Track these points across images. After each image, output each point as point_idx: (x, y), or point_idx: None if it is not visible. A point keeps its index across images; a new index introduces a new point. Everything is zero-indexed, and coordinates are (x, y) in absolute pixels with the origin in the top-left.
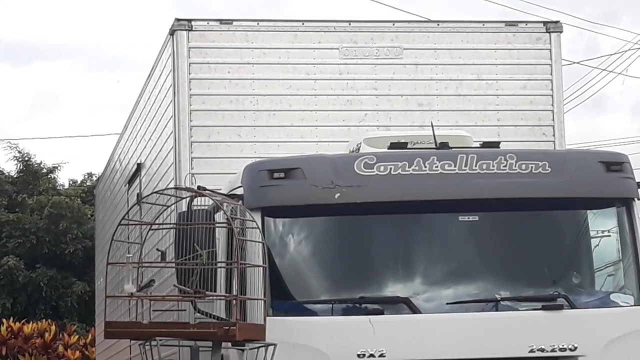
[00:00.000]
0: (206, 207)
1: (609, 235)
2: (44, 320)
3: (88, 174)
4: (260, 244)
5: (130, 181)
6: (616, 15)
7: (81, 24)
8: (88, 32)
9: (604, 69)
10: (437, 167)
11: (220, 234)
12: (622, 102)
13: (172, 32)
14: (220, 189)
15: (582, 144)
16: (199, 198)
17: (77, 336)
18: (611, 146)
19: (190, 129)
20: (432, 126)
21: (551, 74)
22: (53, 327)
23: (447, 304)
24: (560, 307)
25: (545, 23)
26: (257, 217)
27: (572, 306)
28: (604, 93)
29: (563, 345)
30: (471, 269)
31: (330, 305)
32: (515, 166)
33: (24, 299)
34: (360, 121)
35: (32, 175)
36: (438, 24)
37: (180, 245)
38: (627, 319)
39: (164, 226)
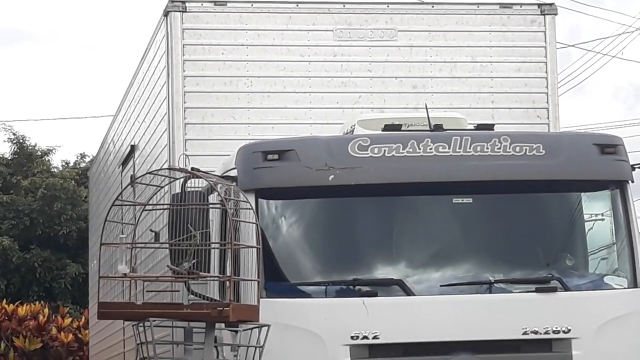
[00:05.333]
0: (200, 189)
1: (603, 218)
2: (37, 302)
3: (81, 155)
4: (254, 225)
5: (124, 163)
6: None
7: (75, 3)
8: (82, 12)
9: (599, 52)
10: (431, 149)
11: (214, 215)
12: (614, 86)
13: (166, 13)
14: (214, 171)
15: (575, 126)
16: (193, 179)
17: (70, 318)
18: (605, 129)
19: (184, 111)
20: (427, 108)
21: (545, 57)
22: (46, 310)
23: (441, 286)
24: (553, 290)
25: (539, 5)
26: (251, 198)
27: (566, 288)
28: (593, 76)
29: (556, 328)
30: (465, 252)
31: (324, 287)
32: (509, 148)
33: (17, 280)
34: (355, 103)
35: (27, 158)
36: (432, 6)
37: (174, 226)
38: (620, 301)
39: (158, 207)
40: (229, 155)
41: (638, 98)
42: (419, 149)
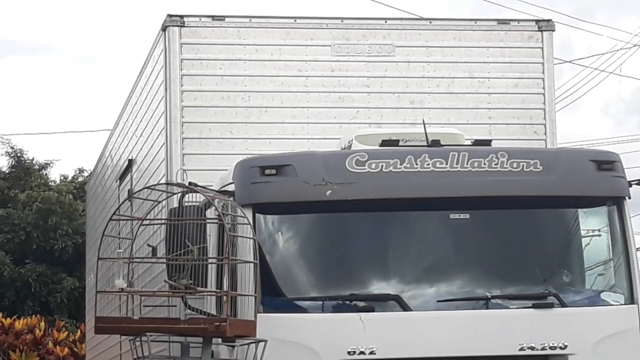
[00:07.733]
0: (197, 204)
1: (600, 234)
2: (32, 316)
3: (79, 169)
4: (251, 240)
5: (122, 177)
6: (591, 13)
7: (73, 17)
8: (80, 26)
9: (596, 69)
10: (428, 164)
11: (212, 230)
12: (604, 101)
13: (164, 28)
14: (211, 186)
15: (572, 142)
16: (190, 194)
17: (66, 332)
18: (598, 146)
19: (182, 125)
20: (424, 124)
21: (543, 73)
22: (42, 323)
23: (438, 301)
24: (550, 306)
25: (537, 21)
26: (249, 213)
27: (563, 305)
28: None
29: (553, 344)
30: (462, 267)
31: (321, 302)
32: (506, 164)
33: (12, 294)
34: (352, 118)
35: (24, 171)
36: (430, 22)
37: (171, 241)
38: (617, 317)
39: (155, 222)
40: (226, 170)
41: (628, 113)
42: (417, 164)
